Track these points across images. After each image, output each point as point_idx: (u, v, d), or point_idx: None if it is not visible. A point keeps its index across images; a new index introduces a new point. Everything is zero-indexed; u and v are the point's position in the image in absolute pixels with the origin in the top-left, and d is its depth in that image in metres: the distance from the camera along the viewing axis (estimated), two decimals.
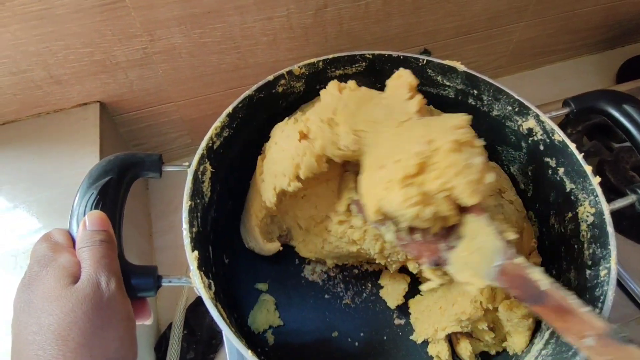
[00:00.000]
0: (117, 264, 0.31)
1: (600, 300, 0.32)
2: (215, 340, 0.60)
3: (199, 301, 0.62)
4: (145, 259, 0.65)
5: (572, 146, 0.38)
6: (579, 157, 0.38)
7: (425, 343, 0.44)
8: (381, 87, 0.50)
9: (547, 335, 0.37)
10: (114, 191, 0.33)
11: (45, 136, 0.59)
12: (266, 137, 0.47)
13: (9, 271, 0.47)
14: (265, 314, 0.45)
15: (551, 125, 0.40)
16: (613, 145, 0.66)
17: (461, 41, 0.80)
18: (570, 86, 0.92)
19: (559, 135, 0.39)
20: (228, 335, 0.30)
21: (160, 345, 0.59)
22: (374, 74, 0.48)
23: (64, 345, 0.26)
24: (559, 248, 0.41)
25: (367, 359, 0.43)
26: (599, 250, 0.35)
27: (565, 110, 0.43)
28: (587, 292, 0.34)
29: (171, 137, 0.75)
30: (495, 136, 0.48)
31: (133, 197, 0.70)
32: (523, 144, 0.45)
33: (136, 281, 0.31)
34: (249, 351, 0.29)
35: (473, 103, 0.47)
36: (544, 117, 0.40)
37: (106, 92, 0.62)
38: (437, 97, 0.49)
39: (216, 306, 0.31)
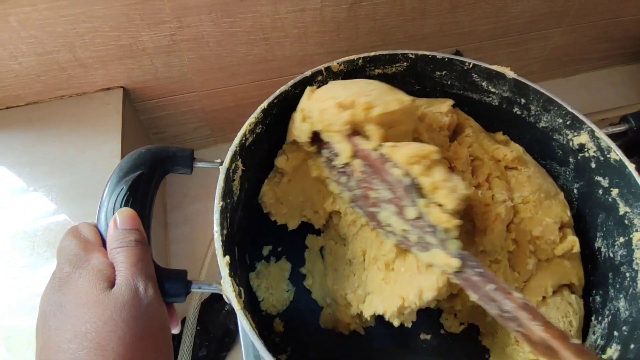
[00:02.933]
0: (152, 267, 0.29)
1: None
2: (228, 339, 0.58)
3: (214, 297, 0.61)
4: (159, 250, 0.64)
5: (632, 167, 0.36)
6: (639, 179, 0.35)
7: None
8: (420, 90, 0.47)
9: None
10: (144, 187, 0.31)
11: (66, 119, 0.58)
12: None
13: (26, 255, 0.46)
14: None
15: (607, 142, 0.37)
16: None
17: (495, 44, 0.77)
18: (603, 96, 0.89)
19: (616, 153, 0.36)
20: (258, 346, 0.28)
21: (173, 340, 0.58)
22: (414, 75, 0.45)
23: (102, 356, 0.24)
24: (606, 273, 0.38)
25: None
26: None
27: (624, 127, 0.40)
28: None
29: (191, 127, 0.73)
30: (539, 149, 0.45)
31: None
32: (571, 160, 0.42)
33: (168, 285, 0.29)
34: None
35: (519, 112, 0.44)
36: (599, 133, 0.38)
37: (130, 77, 0.60)
38: (479, 104, 0.46)
39: (247, 316, 0.29)
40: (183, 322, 0.58)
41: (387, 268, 0.37)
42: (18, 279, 0.45)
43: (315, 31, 0.63)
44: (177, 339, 0.57)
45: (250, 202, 0.42)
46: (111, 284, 0.27)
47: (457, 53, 0.76)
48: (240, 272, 0.39)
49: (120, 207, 0.29)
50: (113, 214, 0.29)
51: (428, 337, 0.44)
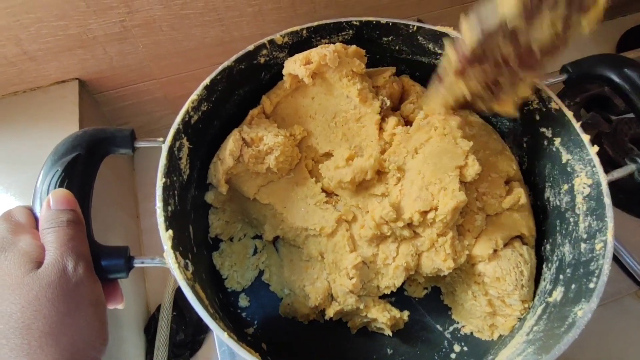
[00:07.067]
0: (86, 246, 0.29)
1: (595, 275, 0.31)
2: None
3: None
4: (131, 240, 0.64)
5: (570, 114, 0.36)
6: (576, 125, 0.36)
7: None
8: (370, 58, 0.47)
9: (539, 310, 0.36)
10: (82, 168, 0.31)
11: (22, 116, 0.57)
12: (248, 112, 0.45)
13: None
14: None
15: (548, 92, 0.37)
16: (611, 118, 0.63)
17: (456, 11, 0.77)
18: (568, 57, 0.89)
19: (556, 103, 0.37)
20: (203, 317, 0.29)
21: (150, 327, 0.59)
22: (362, 43, 0.45)
23: (28, 334, 0.25)
24: (554, 222, 0.39)
25: None
26: (595, 222, 0.33)
27: (563, 77, 0.40)
28: (582, 267, 0.33)
29: (156, 115, 0.73)
30: None
31: (119, 178, 0.69)
32: (518, 114, 0.42)
33: (106, 262, 0.29)
34: (225, 333, 0.27)
35: None
36: (540, 85, 0.38)
37: (85, 68, 0.59)
38: (429, 67, 0.46)
39: (193, 287, 0.29)
40: (158, 308, 0.59)
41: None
42: None
43: (271, 8, 0.62)
44: (154, 325, 0.58)
45: (206, 182, 0.42)
46: (38, 264, 0.27)
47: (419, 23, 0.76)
48: (198, 250, 0.39)
49: (55, 188, 0.29)
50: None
51: (392, 299, 0.44)
